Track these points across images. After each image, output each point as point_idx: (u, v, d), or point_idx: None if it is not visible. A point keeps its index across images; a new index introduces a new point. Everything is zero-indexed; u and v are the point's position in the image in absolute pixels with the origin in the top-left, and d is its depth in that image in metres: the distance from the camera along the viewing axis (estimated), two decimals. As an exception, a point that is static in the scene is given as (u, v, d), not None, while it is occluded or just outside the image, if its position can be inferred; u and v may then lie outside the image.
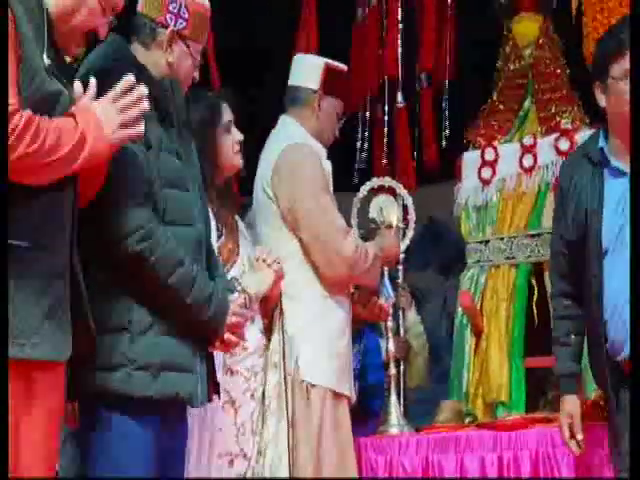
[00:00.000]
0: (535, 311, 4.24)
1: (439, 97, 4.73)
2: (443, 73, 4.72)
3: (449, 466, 3.58)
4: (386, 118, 4.79)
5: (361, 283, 3.71)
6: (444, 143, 4.67)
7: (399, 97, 4.79)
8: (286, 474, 3.35)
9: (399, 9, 4.78)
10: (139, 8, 2.82)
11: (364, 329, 4.43)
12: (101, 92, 2.44)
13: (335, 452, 3.48)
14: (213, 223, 3.18)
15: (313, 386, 3.48)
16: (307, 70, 3.77)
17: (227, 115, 3.42)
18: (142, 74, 2.68)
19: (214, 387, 2.80)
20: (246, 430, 3.31)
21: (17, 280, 2.24)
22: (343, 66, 3.83)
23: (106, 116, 2.37)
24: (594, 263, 3.10)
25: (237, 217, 3.55)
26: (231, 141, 3.42)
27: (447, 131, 4.65)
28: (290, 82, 3.79)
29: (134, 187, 2.57)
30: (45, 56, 2.32)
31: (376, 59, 4.80)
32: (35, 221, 2.29)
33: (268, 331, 3.45)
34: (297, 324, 3.48)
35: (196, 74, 2.87)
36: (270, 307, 3.44)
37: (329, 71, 3.74)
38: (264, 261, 3.36)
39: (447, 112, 4.68)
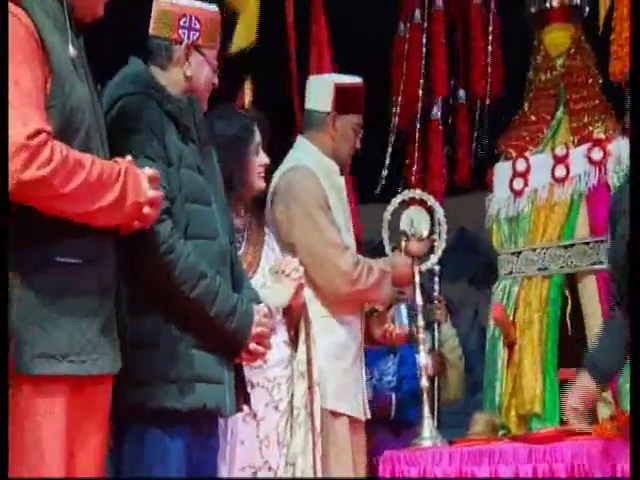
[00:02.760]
0: (569, 322, 4.21)
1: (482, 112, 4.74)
2: (490, 90, 4.74)
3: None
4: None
5: (367, 300, 3.70)
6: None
7: (434, 110, 4.80)
8: None
9: (443, 27, 4.79)
10: (151, 31, 2.84)
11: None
12: (133, 128, 2.54)
13: (330, 469, 3.45)
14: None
15: None
16: (318, 92, 3.80)
17: (257, 137, 3.45)
18: (161, 93, 2.72)
19: (244, 397, 2.82)
20: (270, 442, 3.30)
21: (70, 297, 2.26)
22: (355, 80, 3.80)
23: (144, 184, 2.39)
24: None
25: (268, 232, 3.56)
26: (258, 163, 3.44)
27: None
28: (305, 105, 3.81)
29: None
30: (71, 47, 2.32)
31: (420, 76, 4.80)
32: (84, 237, 2.29)
33: (294, 342, 3.45)
34: None
35: (215, 80, 2.89)
36: (294, 318, 3.44)
37: (339, 90, 3.73)
38: (283, 272, 3.37)
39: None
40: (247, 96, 4.12)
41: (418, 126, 4.83)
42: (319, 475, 3.37)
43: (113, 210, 2.31)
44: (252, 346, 2.74)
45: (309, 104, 3.80)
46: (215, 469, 2.81)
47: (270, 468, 3.30)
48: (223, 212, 2.81)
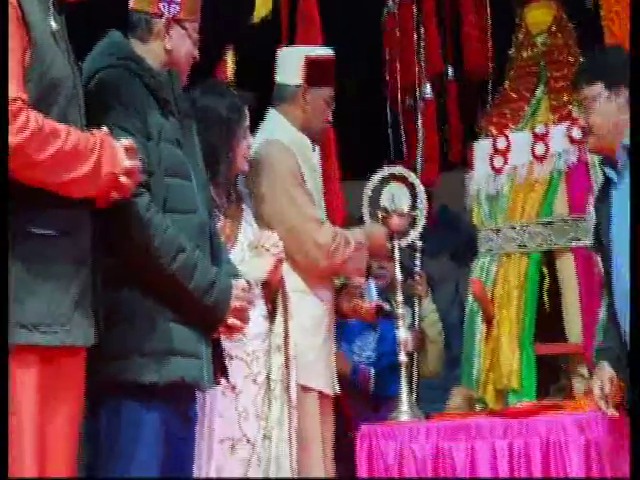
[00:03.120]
0: (546, 299, 4.24)
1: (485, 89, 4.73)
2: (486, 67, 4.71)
3: (459, 453, 3.57)
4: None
5: (344, 272, 3.71)
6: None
7: (427, 89, 4.78)
8: (288, 459, 3.37)
9: (433, 2, 4.76)
10: (131, 4, 2.83)
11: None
12: (112, 101, 2.54)
13: (300, 445, 3.45)
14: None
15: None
16: (288, 65, 3.75)
17: (247, 119, 3.46)
18: (140, 66, 2.72)
19: (222, 370, 2.84)
20: (249, 415, 3.33)
21: (45, 269, 2.27)
22: (326, 52, 3.78)
23: (120, 155, 2.40)
24: None
25: (245, 207, 3.57)
26: (245, 145, 3.44)
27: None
28: (276, 78, 3.79)
29: None
30: (52, 21, 2.33)
31: (414, 53, 4.77)
32: (60, 209, 2.30)
33: (272, 315, 3.47)
34: None
35: (196, 52, 2.88)
36: (272, 292, 3.46)
37: (310, 62, 3.70)
38: (263, 246, 3.38)
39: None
40: (229, 68, 4.12)
41: (413, 105, 4.82)
42: (294, 448, 3.39)
43: (88, 181, 2.32)
44: (230, 320, 2.75)
45: (279, 77, 3.76)
46: (194, 442, 2.83)
47: (248, 441, 3.32)
48: (202, 186, 2.81)
